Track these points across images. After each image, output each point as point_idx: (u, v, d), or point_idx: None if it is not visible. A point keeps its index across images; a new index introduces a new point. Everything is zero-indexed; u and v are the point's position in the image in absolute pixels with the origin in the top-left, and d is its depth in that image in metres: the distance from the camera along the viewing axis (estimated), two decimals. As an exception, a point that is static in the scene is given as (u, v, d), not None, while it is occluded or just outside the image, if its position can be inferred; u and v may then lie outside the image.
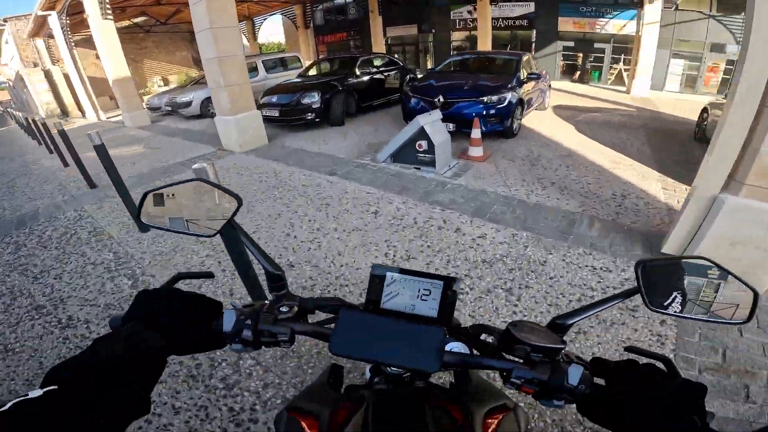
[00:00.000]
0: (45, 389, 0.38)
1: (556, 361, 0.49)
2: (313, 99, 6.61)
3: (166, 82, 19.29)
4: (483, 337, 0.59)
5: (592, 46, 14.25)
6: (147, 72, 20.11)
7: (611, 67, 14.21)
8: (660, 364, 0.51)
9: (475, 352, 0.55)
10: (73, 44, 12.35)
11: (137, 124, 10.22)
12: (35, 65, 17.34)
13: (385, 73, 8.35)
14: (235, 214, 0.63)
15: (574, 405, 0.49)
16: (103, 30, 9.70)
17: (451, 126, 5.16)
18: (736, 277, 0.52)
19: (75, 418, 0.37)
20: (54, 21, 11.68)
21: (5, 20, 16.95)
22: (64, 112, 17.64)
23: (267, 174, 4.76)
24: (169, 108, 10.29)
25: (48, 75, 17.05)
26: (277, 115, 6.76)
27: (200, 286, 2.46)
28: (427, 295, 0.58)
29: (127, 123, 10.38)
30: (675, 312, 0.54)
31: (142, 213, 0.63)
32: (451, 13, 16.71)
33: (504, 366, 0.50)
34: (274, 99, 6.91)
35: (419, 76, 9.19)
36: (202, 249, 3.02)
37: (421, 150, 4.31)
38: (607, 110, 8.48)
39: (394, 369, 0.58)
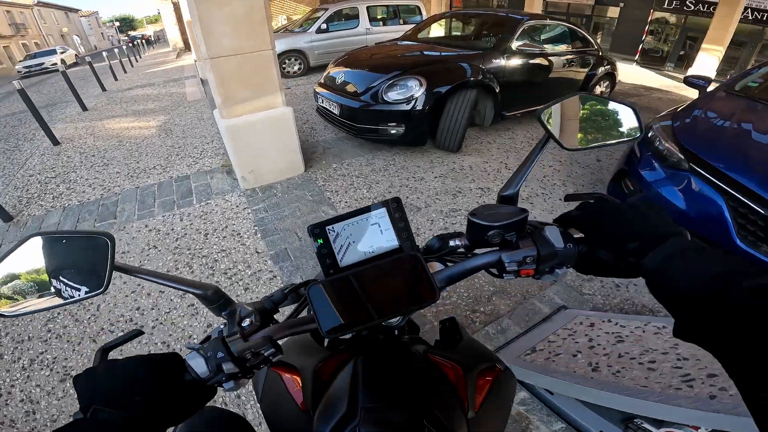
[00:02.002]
0: None
1: (532, 232, 0.45)
2: (410, 94, 2.92)
3: (290, 22, 17.03)
4: (451, 244, 0.50)
5: None
6: (274, 10, 17.71)
7: None
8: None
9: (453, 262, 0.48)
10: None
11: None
12: (170, -3, 16.59)
13: (563, 57, 3.94)
14: (113, 254, 0.43)
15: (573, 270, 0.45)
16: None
17: None
18: (613, 100, 0.57)
19: None
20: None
21: (151, -53, 16.29)
22: (188, 48, 16.89)
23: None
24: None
25: (177, 8, 16.16)
26: (336, 113, 3.31)
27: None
28: (378, 229, 0.47)
29: (200, 74, 8.14)
30: (587, 145, 0.57)
31: None
32: (661, -18, 10.63)
33: (491, 259, 0.44)
34: (342, 77, 3.39)
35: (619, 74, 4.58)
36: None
37: None
38: None
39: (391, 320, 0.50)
